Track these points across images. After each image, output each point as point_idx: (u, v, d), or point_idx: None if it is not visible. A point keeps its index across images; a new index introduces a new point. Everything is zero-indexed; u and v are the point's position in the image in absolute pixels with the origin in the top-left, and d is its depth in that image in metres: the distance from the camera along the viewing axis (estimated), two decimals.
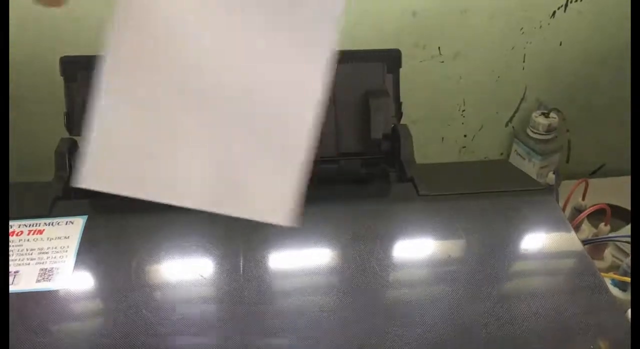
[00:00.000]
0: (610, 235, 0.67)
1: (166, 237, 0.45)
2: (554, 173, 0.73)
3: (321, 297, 0.41)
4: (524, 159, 0.83)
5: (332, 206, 0.50)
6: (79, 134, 0.54)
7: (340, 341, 0.38)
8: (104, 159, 0.30)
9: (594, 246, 0.66)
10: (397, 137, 0.56)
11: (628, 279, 0.55)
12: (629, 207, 0.76)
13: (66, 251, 0.43)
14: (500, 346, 0.38)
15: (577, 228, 0.67)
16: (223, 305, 0.41)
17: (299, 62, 0.32)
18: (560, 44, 0.77)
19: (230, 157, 0.32)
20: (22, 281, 0.41)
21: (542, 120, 0.79)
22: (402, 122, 0.59)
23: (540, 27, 0.74)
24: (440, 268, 0.44)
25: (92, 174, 0.30)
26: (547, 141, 0.80)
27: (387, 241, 0.46)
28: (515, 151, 0.84)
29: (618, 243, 0.67)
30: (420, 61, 0.75)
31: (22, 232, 0.45)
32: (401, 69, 0.59)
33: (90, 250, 0.44)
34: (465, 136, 0.85)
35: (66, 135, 0.54)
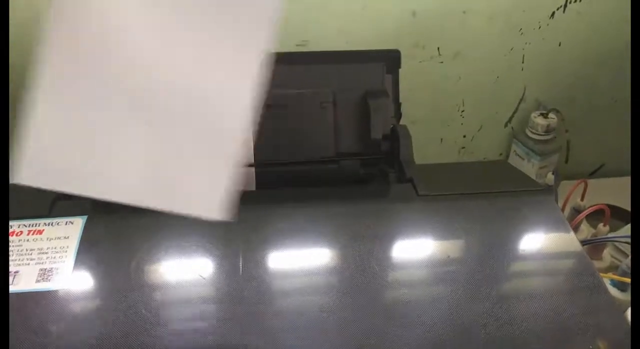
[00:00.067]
0: (609, 235, 0.67)
1: (166, 237, 0.45)
2: (553, 173, 0.73)
3: (320, 297, 0.41)
4: (523, 159, 0.83)
5: (332, 206, 0.50)
6: None
7: (339, 341, 0.38)
8: (41, 155, 0.31)
9: (593, 246, 0.66)
10: (396, 137, 0.56)
11: (627, 280, 0.56)
12: (627, 208, 0.76)
13: (66, 251, 0.43)
14: (499, 347, 0.38)
15: (576, 229, 0.67)
16: (223, 305, 0.41)
17: (234, 62, 0.32)
18: (560, 45, 0.77)
19: (166, 153, 0.32)
20: (21, 281, 0.41)
21: (541, 120, 0.79)
22: (401, 122, 0.59)
23: (540, 27, 0.74)
24: (440, 268, 0.44)
25: (30, 170, 0.30)
26: (546, 141, 0.80)
27: (386, 241, 0.46)
28: (515, 151, 0.84)
29: (617, 244, 0.67)
30: (420, 62, 0.75)
31: (21, 232, 0.45)
32: (400, 70, 0.59)
33: (89, 250, 0.44)
34: (464, 136, 0.86)
35: None
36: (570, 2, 0.73)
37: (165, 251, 0.44)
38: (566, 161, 0.90)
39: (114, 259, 0.43)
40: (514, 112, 0.84)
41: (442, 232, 0.47)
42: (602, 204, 0.65)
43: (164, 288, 0.42)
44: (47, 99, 0.30)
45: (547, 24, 0.74)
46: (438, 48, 0.74)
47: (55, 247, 0.44)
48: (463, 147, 0.87)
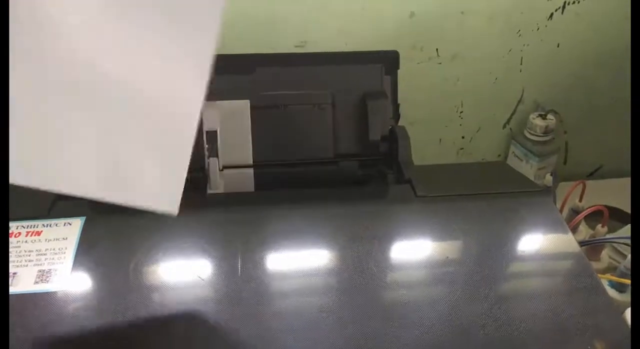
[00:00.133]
0: (607, 236, 0.67)
1: (164, 238, 0.45)
2: (551, 175, 0.73)
3: (319, 298, 0.41)
4: (521, 160, 0.83)
5: (330, 207, 0.50)
6: None
7: (338, 342, 0.38)
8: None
9: (591, 247, 0.66)
10: (394, 138, 0.56)
11: (625, 281, 0.56)
12: (626, 209, 0.76)
13: (64, 253, 0.43)
14: (497, 347, 0.38)
15: (574, 230, 0.67)
16: (221, 306, 0.41)
17: (181, 62, 0.33)
18: (558, 46, 0.77)
19: (119, 149, 0.33)
20: (20, 282, 0.41)
21: (539, 121, 0.79)
22: (399, 123, 0.59)
23: (538, 29, 0.75)
24: (438, 269, 0.44)
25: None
26: (544, 142, 0.80)
27: (385, 242, 0.46)
28: (513, 152, 0.85)
29: (615, 245, 0.67)
30: (418, 63, 0.75)
31: (20, 233, 0.45)
32: (399, 71, 0.59)
33: (88, 251, 0.44)
34: (462, 137, 0.86)
35: None
36: (568, 4, 0.73)
37: (164, 252, 0.44)
38: (565, 162, 0.90)
39: (113, 261, 0.43)
40: (513, 114, 0.84)
41: (440, 233, 0.47)
42: (601, 205, 0.65)
43: (162, 289, 0.42)
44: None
45: (546, 26, 0.74)
46: (437, 49, 0.74)
47: (53, 249, 0.44)
48: (461, 148, 0.87)
